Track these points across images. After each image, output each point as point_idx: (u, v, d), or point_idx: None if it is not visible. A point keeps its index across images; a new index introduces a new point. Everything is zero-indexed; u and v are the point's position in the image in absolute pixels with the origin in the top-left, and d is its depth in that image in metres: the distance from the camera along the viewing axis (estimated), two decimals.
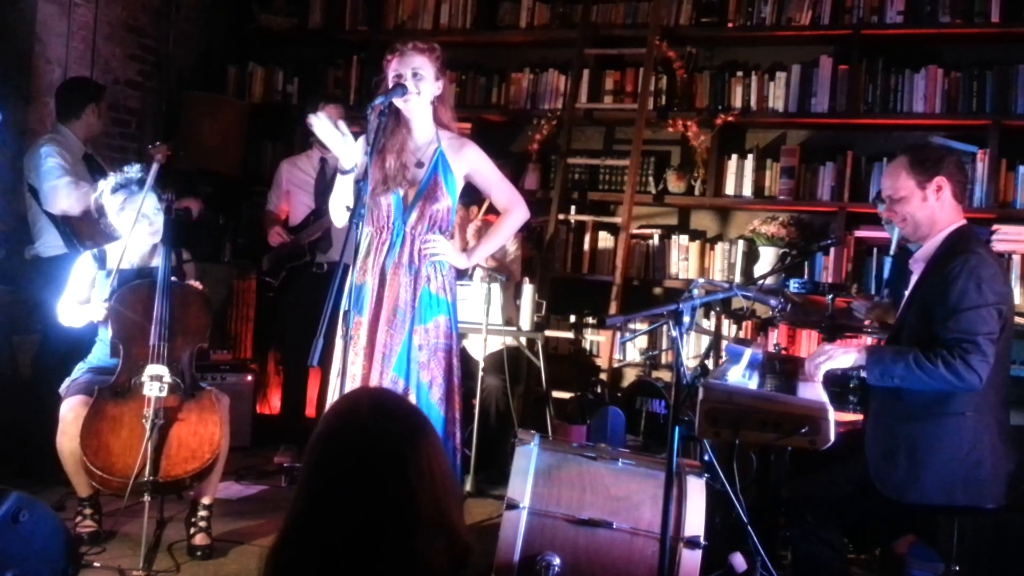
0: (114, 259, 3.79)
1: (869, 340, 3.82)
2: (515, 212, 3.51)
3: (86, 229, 4.32)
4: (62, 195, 4.35)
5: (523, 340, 4.93)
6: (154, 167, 3.77)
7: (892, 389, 2.89)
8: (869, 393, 3.06)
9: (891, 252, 3.98)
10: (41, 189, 4.40)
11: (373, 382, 3.24)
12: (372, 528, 1.51)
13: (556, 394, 5.08)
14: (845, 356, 2.95)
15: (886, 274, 4.07)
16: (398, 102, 3.27)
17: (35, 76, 5.16)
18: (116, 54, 5.71)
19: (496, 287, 4.60)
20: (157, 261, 3.76)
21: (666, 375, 5.23)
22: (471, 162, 3.41)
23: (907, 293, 3.05)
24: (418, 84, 3.27)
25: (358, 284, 3.28)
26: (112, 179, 3.80)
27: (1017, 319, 4.67)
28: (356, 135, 3.33)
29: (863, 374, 2.97)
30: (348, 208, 3.27)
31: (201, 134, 5.85)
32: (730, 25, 5.50)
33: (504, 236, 3.64)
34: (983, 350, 2.72)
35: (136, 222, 3.71)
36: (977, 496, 2.82)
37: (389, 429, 1.59)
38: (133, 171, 3.84)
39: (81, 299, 3.73)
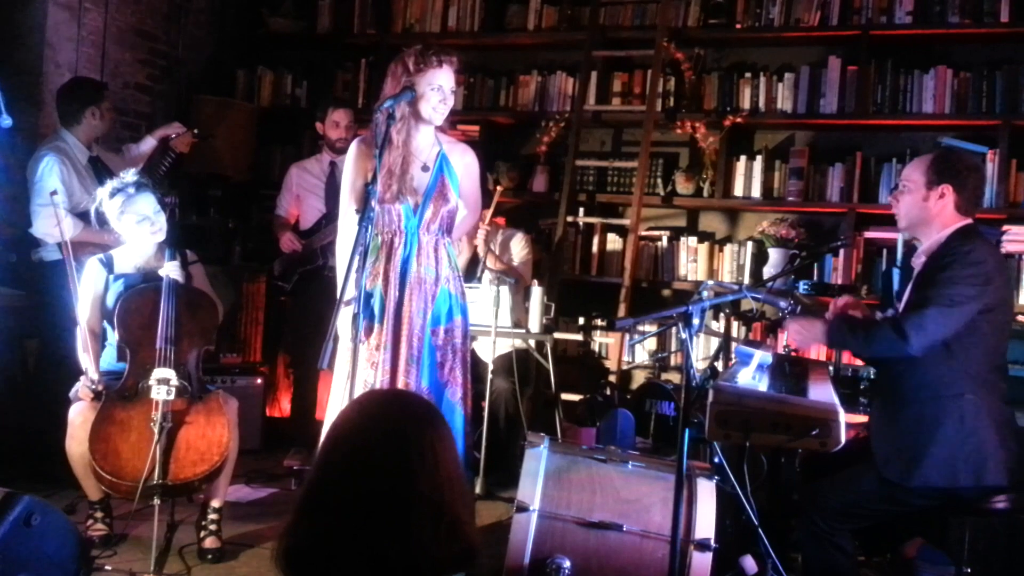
0: (121, 263, 3.80)
1: None
2: (472, 219, 3.65)
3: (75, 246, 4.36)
4: (41, 221, 4.38)
5: (532, 342, 4.93)
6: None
7: (894, 377, 2.96)
8: (875, 383, 3.08)
9: (898, 263, 3.97)
10: (31, 203, 4.43)
11: (399, 386, 3.26)
12: (368, 505, 1.55)
13: (565, 396, 5.08)
14: (810, 337, 3.10)
15: (896, 286, 4.05)
16: (426, 109, 3.32)
17: (45, 81, 5.18)
18: (126, 58, 5.73)
19: (505, 289, 4.60)
20: (163, 263, 3.76)
21: (675, 377, 5.22)
22: (467, 168, 3.49)
23: (909, 286, 3.10)
24: (452, 99, 3.38)
25: (368, 290, 3.28)
26: (109, 185, 3.81)
27: (1020, 319, 4.67)
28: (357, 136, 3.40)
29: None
30: (356, 211, 3.29)
31: (210, 138, 5.86)
32: (738, 26, 5.49)
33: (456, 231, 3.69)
34: (924, 316, 2.79)
35: (138, 223, 3.73)
36: (980, 476, 2.84)
37: (395, 414, 1.66)
38: (129, 175, 3.85)
39: (95, 307, 3.73)
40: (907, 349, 2.79)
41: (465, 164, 3.48)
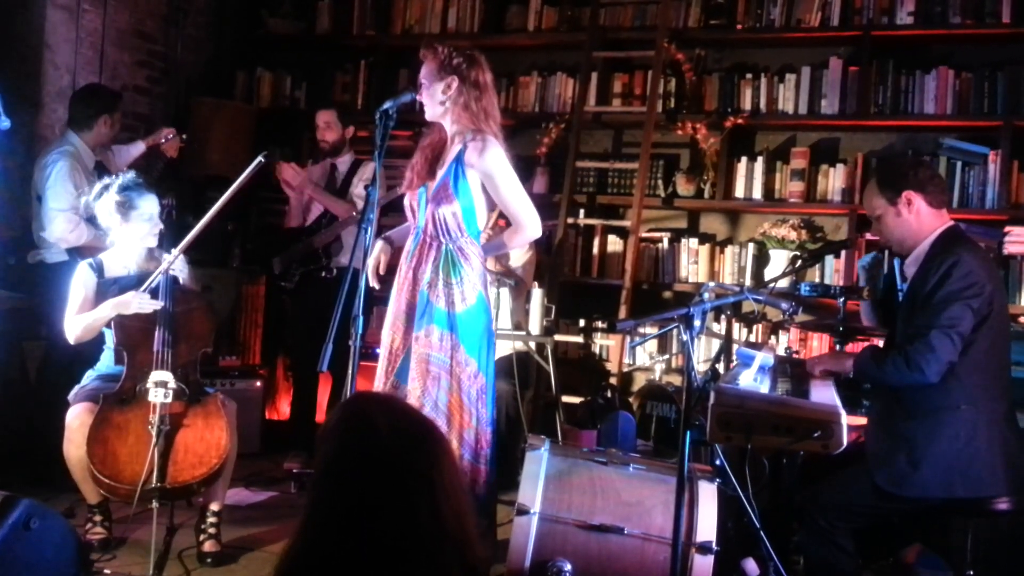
0: (111, 267, 3.77)
1: (881, 343, 3.79)
2: (522, 232, 3.39)
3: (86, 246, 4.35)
4: (58, 225, 4.37)
5: (532, 345, 4.91)
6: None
7: (890, 390, 2.97)
8: (870, 395, 3.09)
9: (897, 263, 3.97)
10: (44, 207, 4.42)
11: (378, 383, 3.25)
12: (398, 549, 1.49)
13: (566, 399, 5.06)
14: (839, 364, 3.13)
15: (898, 284, 4.04)
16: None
17: (44, 83, 5.17)
18: (125, 60, 5.71)
19: (505, 292, 4.58)
20: (154, 266, 3.74)
21: (676, 379, 5.20)
22: (487, 166, 3.25)
23: (900, 296, 3.13)
24: (427, 90, 3.29)
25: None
26: (116, 180, 3.78)
27: (1021, 320, 4.65)
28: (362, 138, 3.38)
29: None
30: (355, 215, 3.28)
31: (209, 139, 5.85)
32: (739, 27, 5.48)
33: (498, 247, 3.62)
34: (931, 344, 2.80)
35: (147, 220, 3.72)
36: (976, 488, 2.85)
37: (413, 452, 1.56)
38: (130, 175, 3.83)
39: (85, 311, 3.71)
40: (924, 378, 2.82)
41: (482, 163, 3.23)
